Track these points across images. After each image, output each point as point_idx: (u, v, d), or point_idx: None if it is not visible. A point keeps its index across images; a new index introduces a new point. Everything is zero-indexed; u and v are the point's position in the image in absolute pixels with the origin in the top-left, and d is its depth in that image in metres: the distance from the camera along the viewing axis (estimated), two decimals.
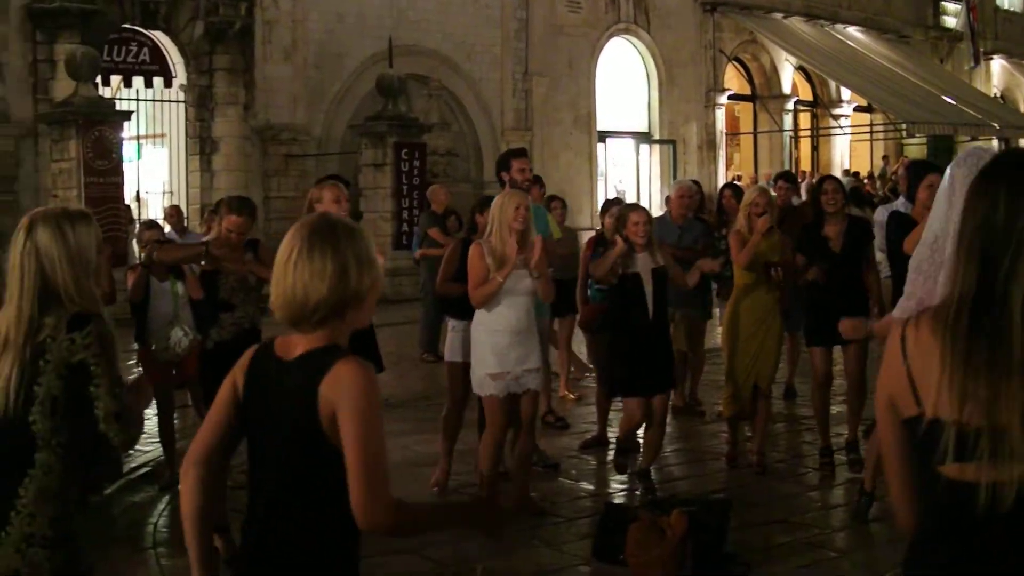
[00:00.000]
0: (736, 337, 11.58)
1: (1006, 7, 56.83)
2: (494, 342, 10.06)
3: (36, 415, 4.89)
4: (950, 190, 6.56)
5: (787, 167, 42.05)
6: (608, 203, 14.94)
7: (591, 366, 14.22)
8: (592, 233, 14.98)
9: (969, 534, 3.40)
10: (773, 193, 14.01)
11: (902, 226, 9.97)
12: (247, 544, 4.27)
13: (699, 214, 14.92)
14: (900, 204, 11.52)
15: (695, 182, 16.05)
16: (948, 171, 6.68)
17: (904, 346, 3.51)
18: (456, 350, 11.26)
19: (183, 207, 24.93)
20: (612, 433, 13.04)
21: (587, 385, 15.69)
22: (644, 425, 11.15)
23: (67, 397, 4.91)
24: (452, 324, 11.38)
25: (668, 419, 11.67)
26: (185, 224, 22.45)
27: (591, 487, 11.66)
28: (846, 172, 41.12)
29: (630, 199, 33.41)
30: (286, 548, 4.08)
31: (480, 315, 10.19)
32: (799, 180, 40.50)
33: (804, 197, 36.16)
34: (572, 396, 15.42)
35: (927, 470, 3.45)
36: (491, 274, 9.90)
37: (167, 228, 19.29)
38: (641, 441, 11.50)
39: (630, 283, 10.82)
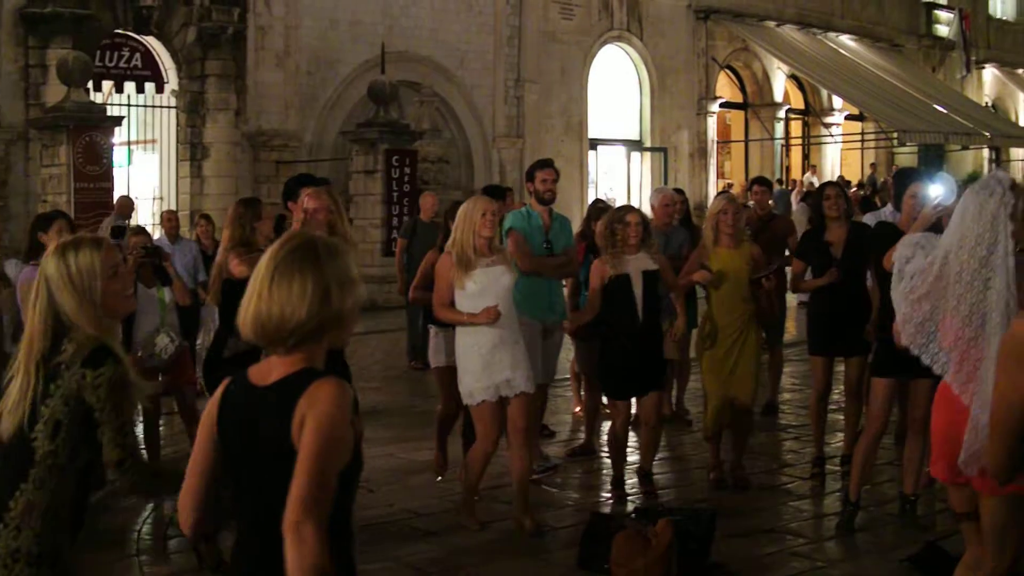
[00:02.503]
0: (713, 353, 11.36)
1: (998, 16, 57.01)
2: (479, 347, 9.96)
3: (38, 433, 4.89)
4: (961, 216, 6.59)
5: (778, 175, 42.15)
6: (595, 205, 14.82)
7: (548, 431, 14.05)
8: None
9: None
10: (751, 202, 14.00)
11: (886, 237, 9.98)
12: (238, 571, 4.23)
13: (686, 221, 14.90)
14: (887, 213, 11.50)
15: (678, 190, 15.99)
16: (964, 198, 6.71)
17: None
18: (440, 354, 11.27)
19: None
20: (599, 443, 13.09)
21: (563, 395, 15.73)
22: (638, 426, 11.15)
23: (70, 424, 4.90)
24: (434, 330, 11.38)
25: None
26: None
27: (577, 496, 11.63)
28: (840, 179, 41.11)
29: None
30: (279, 569, 4.03)
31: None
32: (790, 188, 40.72)
33: (795, 206, 36.38)
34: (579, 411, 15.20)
35: None
36: (457, 281, 9.88)
37: (157, 235, 19.23)
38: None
39: (619, 285, 10.76)
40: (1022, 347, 3.76)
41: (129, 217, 20.16)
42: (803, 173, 44.46)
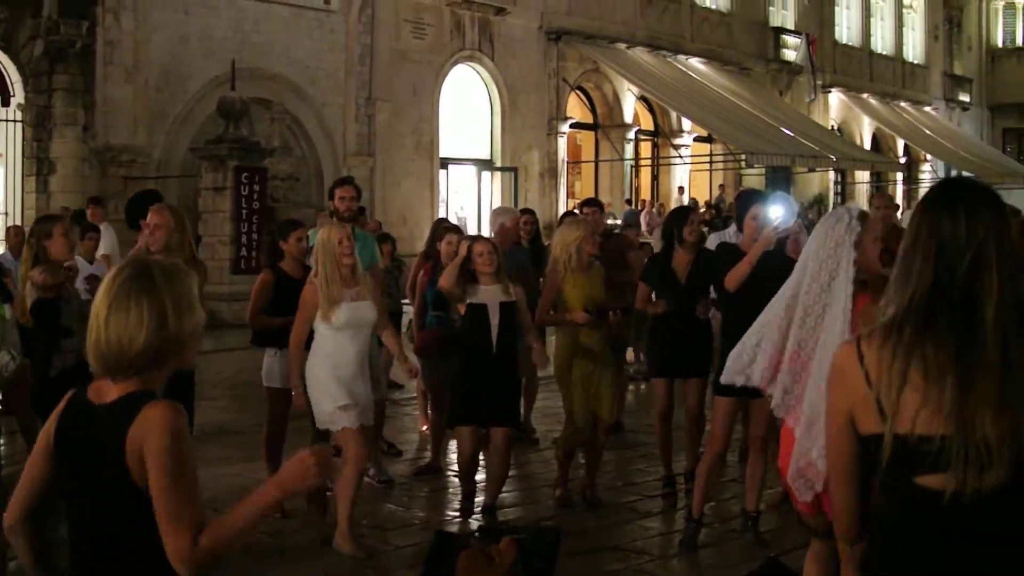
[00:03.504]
0: (572, 374, 11.36)
1: (844, 42, 58.10)
2: (339, 375, 9.95)
3: None
4: (811, 244, 6.76)
5: (627, 196, 42.57)
6: (438, 224, 14.80)
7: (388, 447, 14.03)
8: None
9: (950, 541, 3.59)
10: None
11: (728, 258, 10.13)
12: None
13: (535, 240, 14.96)
14: (731, 234, 11.65)
15: (528, 210, 16.07)
16: (816, 228, 6.88)
17: (863, 362, 3.69)
18: (274, 375, 11.18)
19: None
20: (445, 461, 13.10)
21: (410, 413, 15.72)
22: (485, 458, 11.14)
23: None
24: (272, 351, 11.28)
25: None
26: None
27: (423, 514, 11.61)
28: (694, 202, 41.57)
29: (471, 226, 33.61)
30: None
31: (322, 348, 10.06)
32: (639, 209, 41.09)
33: (644, 226, 36.68)
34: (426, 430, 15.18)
35: (901, 483, 3.63)
36: (322, 314, 9.87)
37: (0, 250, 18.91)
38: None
39: (475, 314, 10.76)
40: (835, 372, 3.82)
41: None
42: (675, 195, 44.92)
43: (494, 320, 10.75)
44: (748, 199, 10.71)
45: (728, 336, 9.91)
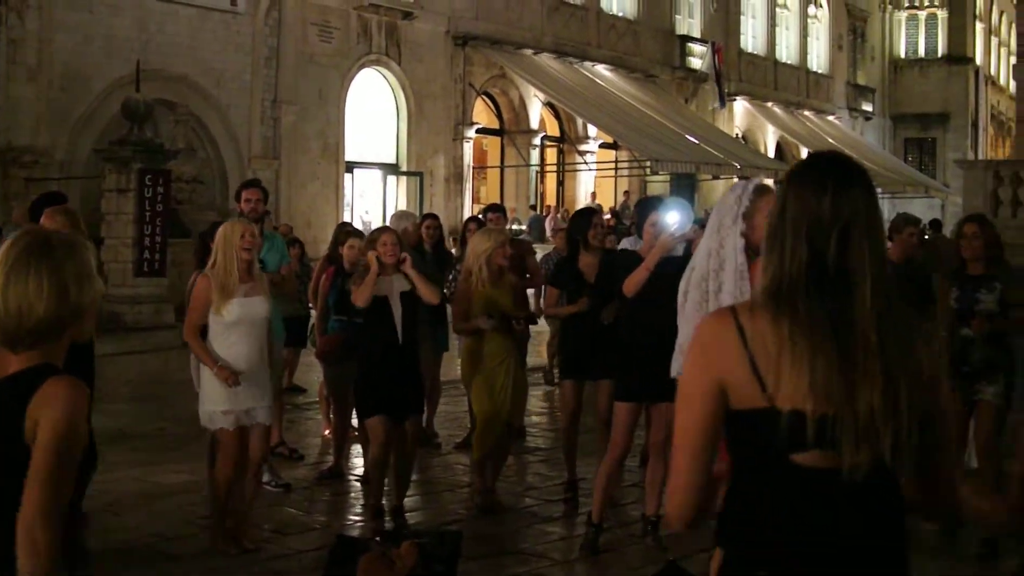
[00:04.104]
0: (481, 379, 11.44)
1: (749, 51, 58.55)
2: (232, 367, 9.93)
3: None
4: (715, 215, 6.86)
5: (533, 201, 42.66)
6: (340, 228, 14.71)
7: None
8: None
9: (822, 517, 3.55)
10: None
11: (626, 264, 10.20)
12: None
13: (439, 246, 14.97)
14: (630, 241, 11.73)
15: (432, 215, 16.09)
16: (712, 216, 6.98)
17: (743, 334, 3.59)
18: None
19: None
20: (347, 466, 13.10)
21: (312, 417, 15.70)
22: (393, 455, 11.11)
23: None
24: None
25: None
26: None
27: (323, 519, 11.60)
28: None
29: None
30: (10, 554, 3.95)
31: (214, 345, 10.02)
32: (544, 215, 41.20)
33: (549, 232, 36.80)
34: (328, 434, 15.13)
35: (775, 459, 3.56)
36: (215, 307, 9.85)
37: None
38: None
39: (378, 306, 10.75)
40: (706, 343, 3.76)
41: None
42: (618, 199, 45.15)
43: (396, 311, 10.80)
44: (647, 206, 10.78)
45: (627, 341, 10.02)
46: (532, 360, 16.59)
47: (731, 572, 3.71)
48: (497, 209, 15.59)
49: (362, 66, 37.59)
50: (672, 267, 9.69)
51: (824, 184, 3.61)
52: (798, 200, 3.63)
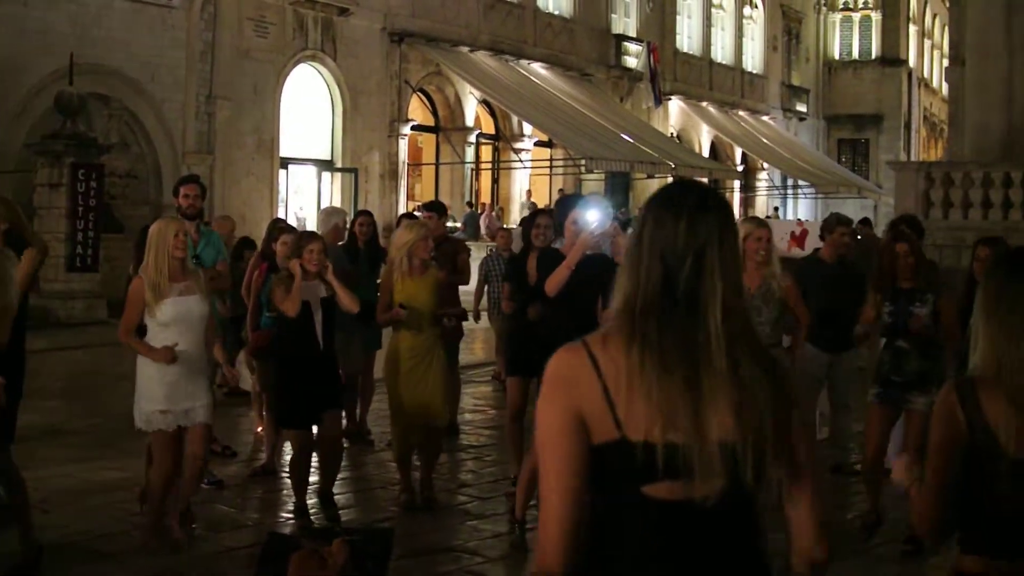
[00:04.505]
0: (399, 375, 11.40)
1: (685, 50, 58.79)
2: (162, 376, 9.84)
3: None
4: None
5: (468, 198, 42.66)
6: (273, 225, 14.64)
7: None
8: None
9: (678, 551, 3.50)
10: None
11: (548, 263, 10.24)
12: None
13: (372, 242, 14.96)
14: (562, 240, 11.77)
15: (366, 212, 16.06)
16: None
17: (596, 365, 3.53)
18: None
19: None
20: (280, 462, 13.08)
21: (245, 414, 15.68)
22: (318, 452, 11.11)
23: None
24: None
25: None
26: None
27: (256, 516, 11.59)
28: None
29: (311, 227, 33.40)
30: None
31: (151, 343, 9.96)
32: (479, 212, 41.23)
33: (484, 230, 36.90)
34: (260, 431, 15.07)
35: (628, 492, 3.50)
36: (148, 308, 9.79)
37: None
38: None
39: (298, 312, 10.76)
40: (561, 378, 3.70)
41: None
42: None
43: (317, 316, 10.83)
44: (567, 204, 10.90)
45: (550, 340, 10.00)
46: (466, 358, 16.57)
47: None
48: (433, 207, 15.59)
49: (298, 62, 37.46)
50: (594, 266, 9.74)
51: (681, 209, 3.59)
52: (656, 224, 3.60)
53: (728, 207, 3.71)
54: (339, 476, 12.00)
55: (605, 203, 10.50)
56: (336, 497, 11.52)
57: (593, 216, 10.11)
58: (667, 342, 3.47)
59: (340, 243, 14.33)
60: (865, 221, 27.85)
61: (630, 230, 3.75)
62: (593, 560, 3.58)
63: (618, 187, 48.49)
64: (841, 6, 74.75)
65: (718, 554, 3.54)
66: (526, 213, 25.68)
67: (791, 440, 3.62)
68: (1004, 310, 4.34)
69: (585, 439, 3.53)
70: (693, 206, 3.59)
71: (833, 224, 13.34)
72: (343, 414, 12.18)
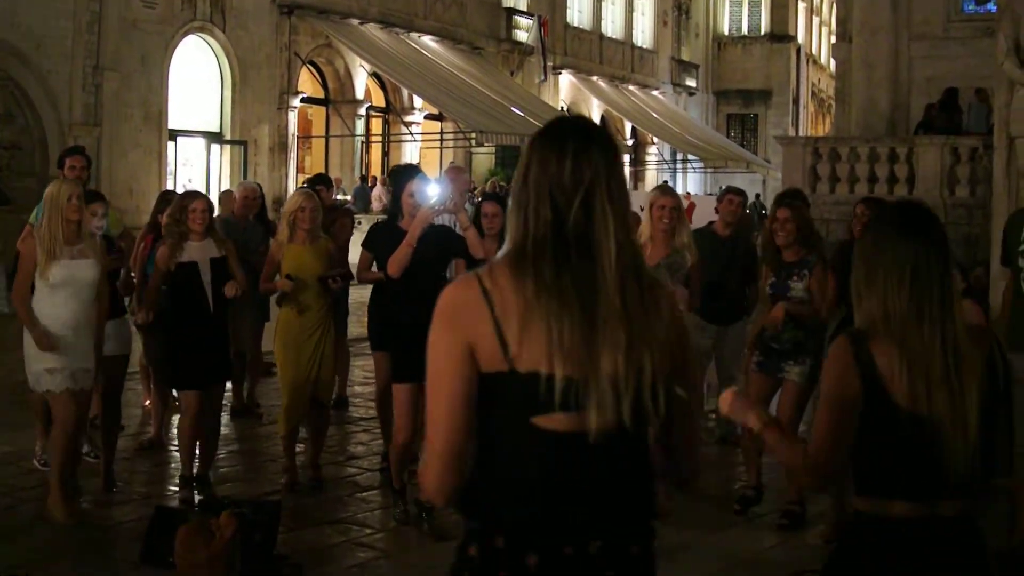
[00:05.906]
0: (289, 348, 11.24)
1: (575, 24, 58.89)
2: (54, 334, 9.83)
3: None
4: None
5: (358, 171, 42.55)
6: (163, 196, 14.35)
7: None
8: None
9: (568, 482, 3.55)
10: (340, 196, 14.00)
11: (383, 239, 10.15)
12: None
13: (261, 216, 14.94)
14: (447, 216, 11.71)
15: (256, 184, 15.99)
16: None
17: (488, 297, 3.56)
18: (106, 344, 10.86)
19: None
20: (168, 436, 13.02)
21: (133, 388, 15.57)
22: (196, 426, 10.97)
23: None
24: None
25: (224, 420, 11.67)
26: None
27: (144, 490, 11.49)
28: None
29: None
30: None
31: (38, 307, 9.91)
32: (370, 186, 41.13)
33: (374, 203, 36.81)
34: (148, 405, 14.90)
35: (517, 423, 3.54)
36: (40, 269, 9.72)
37: None
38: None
39: (186, 273, 10.65)
40: (452, 309, 3.72)
41: None
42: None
43: (206, 277, 10.71)
44: (404, 175, 10.54)
45: (397, 320, 9.93)
46: (355, 330, 16.55)
47: (471, 541, 3.72)
48: (323, 181, 15.56)
49: (186, 33, 37.04)
50: (436, 239, 9.64)
51: (564, 148, 3.62)
52: (540, 164, 3.64)
53: (613, 141, 3.75)
54: (227, 448, 11.98)
55: (465, 175, 10.32)
56: (224, 471, 11.50)
57: (433, 190, 9.98)
58: (562, 280, 3.52)
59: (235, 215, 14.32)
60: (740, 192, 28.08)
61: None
62: (480, 489, 3.66)
63: (508, 160, 48.49)
64: None
65: (606, 484, 3.60)
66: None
67: (685, 364, 3.72)
68: (888, 260, 4.37)
69: (474, 369, 3.58)
70: (578, 143, 3.63)
71: (722, 194, 13.53)
72: (228, 387, 12.05)
